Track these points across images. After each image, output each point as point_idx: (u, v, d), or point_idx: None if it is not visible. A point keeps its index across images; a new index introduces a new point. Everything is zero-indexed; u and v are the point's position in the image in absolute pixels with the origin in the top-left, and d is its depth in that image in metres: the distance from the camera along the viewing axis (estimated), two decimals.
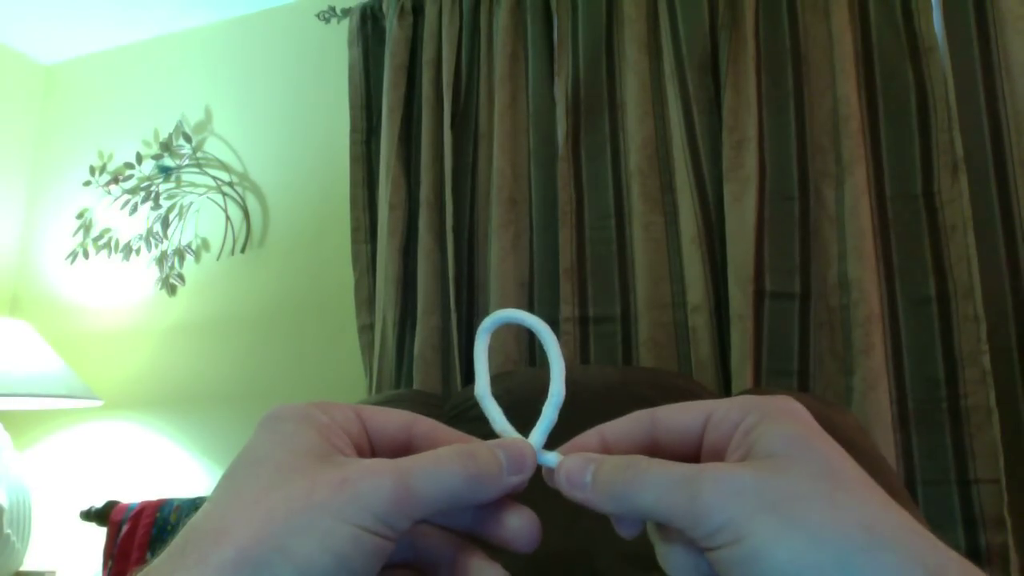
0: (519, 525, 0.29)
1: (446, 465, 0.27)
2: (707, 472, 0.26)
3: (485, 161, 1.69)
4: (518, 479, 0.29)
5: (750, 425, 0.28)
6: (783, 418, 0.28)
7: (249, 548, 0.24)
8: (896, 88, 1.43)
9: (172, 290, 2.05)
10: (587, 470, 0.29)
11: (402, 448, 0.31)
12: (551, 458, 0.30)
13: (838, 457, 0.27)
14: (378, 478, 0.26)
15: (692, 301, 1.46)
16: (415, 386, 1.59)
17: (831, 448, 0.27)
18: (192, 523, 0.26)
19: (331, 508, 0.25)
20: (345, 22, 1.93)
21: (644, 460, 0.28)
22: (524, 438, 0.31)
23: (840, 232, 1.40)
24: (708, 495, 0.25)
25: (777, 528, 0.24)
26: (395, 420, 0.31)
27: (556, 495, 0.30)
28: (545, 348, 0.32)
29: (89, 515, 1.58)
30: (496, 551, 0.30)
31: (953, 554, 0.24)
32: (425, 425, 0.31)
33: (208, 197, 2.07)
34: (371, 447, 0.31)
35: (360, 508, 0.25)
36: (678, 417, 0.30)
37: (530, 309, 1.59)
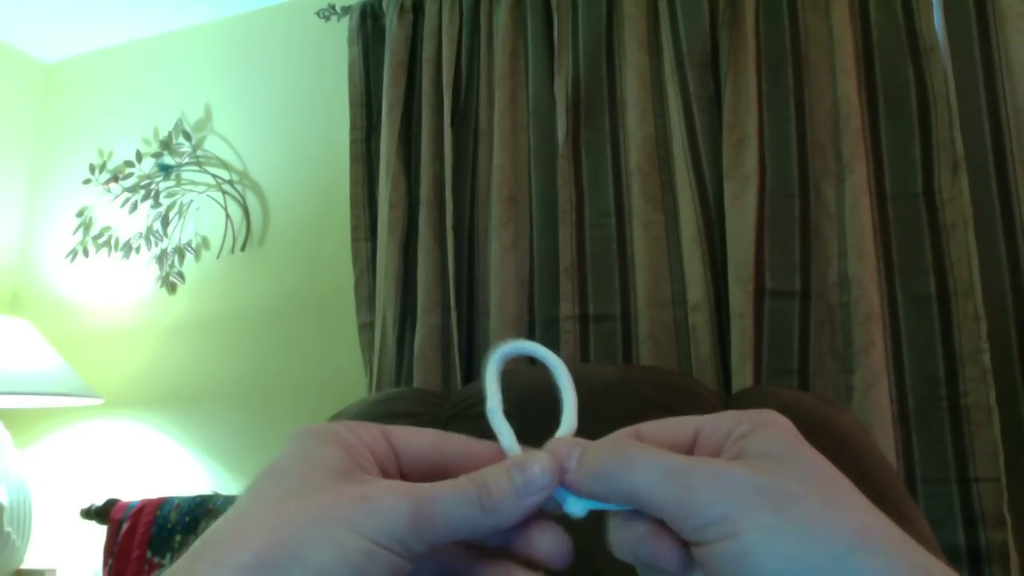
0: (550, 545, 0.29)
1: (462, 495, 0.27)
2: (702, 464, 0.26)
3: (485, 159, 1.69)
4: (532, 501, 0.28)
5: (743, 433, 0.28)
6: (774, 428, 0.28)
7: (264, 552, 0.24)
8: (896, 86, 1.43)
9: (172, 288, 2.05)
10: (573, 453, 0.29)
11: (434, 466, 0.31)
12: (572, 503, 0.29)
13: (827, 464, 0.27)
14: (397, 499, 0.26)
15: (692, 299, 1.46)
16: (415, 384, 1.59)
17: (820, 456, 0.27)
18: (211, 528, 0.26)
19: (349, 521, 0.25)
20: (345, 20, 1.93)
21: (636, 444, 0.28)
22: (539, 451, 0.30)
23: (840, 230, 1.40)
24: (703, 487, 0.25)
25: (773, 525, 0.24)
26: (424, 437, 0.31)
27: None
28: (559, 383, 0.32)
29: (89, 513, 1.58)
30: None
31: (936, 560, 0.24)
32: (456, 443, 0.31)
33: (208, 195, 2.07)
34: (399, 467, 0.31)
35: (377, 524, 0.25)
36: (666, 431, 0.30)
37: (530, 307, 1.59)
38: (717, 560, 0.25)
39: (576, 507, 0.29)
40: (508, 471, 0.28)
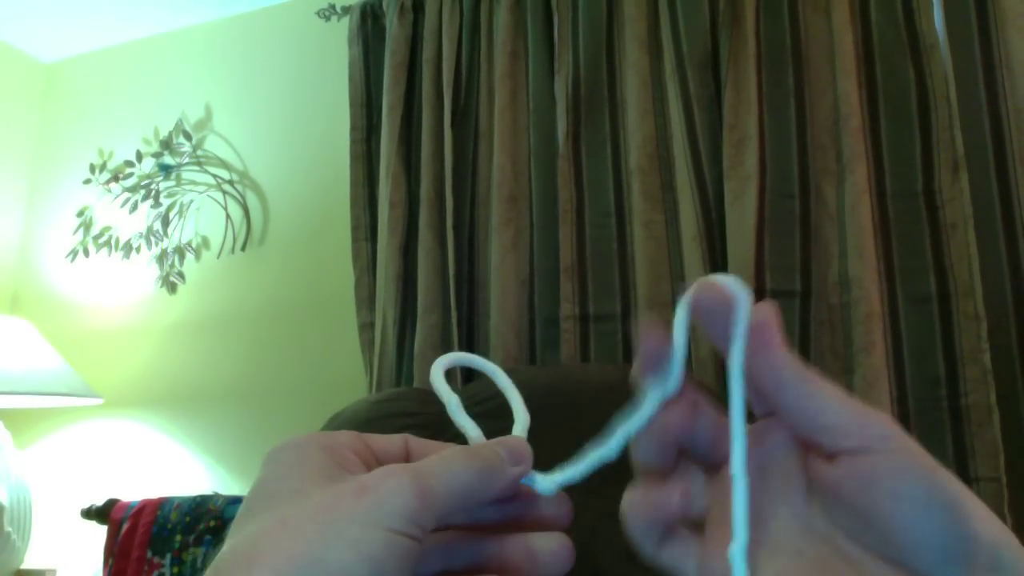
0: (553, 502, 0.30)
1: (456, 462, 0.28)
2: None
3: (485, 159, 1.69)
4: (519, 470, 0.30)
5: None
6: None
7: (285, 567, 0.24)
8: (897, 86, 1.43)
9: (172, 288, 2.05)
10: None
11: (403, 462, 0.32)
12: (540, 481, 0.31)
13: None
14: (397, 479, 0.26)
15: None
16: (415, 384, 1.59)
17: None
18: (220, 557, 0.26)
19: (358, 515, 0.25)
20: (345, 20, 1.93)
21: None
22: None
23: (841, 230, 1.40)
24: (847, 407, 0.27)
25: (898, 448, 0.25)
26: (393, 439, 0.32)
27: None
28: (501, 386, 0.35)
29: (90, 513, 1.58)
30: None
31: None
32: (419, 443, 0.33)
33: (208, 195, 2.07)
34: (378, 463, 0.31)
35: (387, 510, 0.25)
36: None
37: (530, 307, 1.59)
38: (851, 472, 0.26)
39: (546, 485, 0.30)
40: (490, 444, 0.30)
